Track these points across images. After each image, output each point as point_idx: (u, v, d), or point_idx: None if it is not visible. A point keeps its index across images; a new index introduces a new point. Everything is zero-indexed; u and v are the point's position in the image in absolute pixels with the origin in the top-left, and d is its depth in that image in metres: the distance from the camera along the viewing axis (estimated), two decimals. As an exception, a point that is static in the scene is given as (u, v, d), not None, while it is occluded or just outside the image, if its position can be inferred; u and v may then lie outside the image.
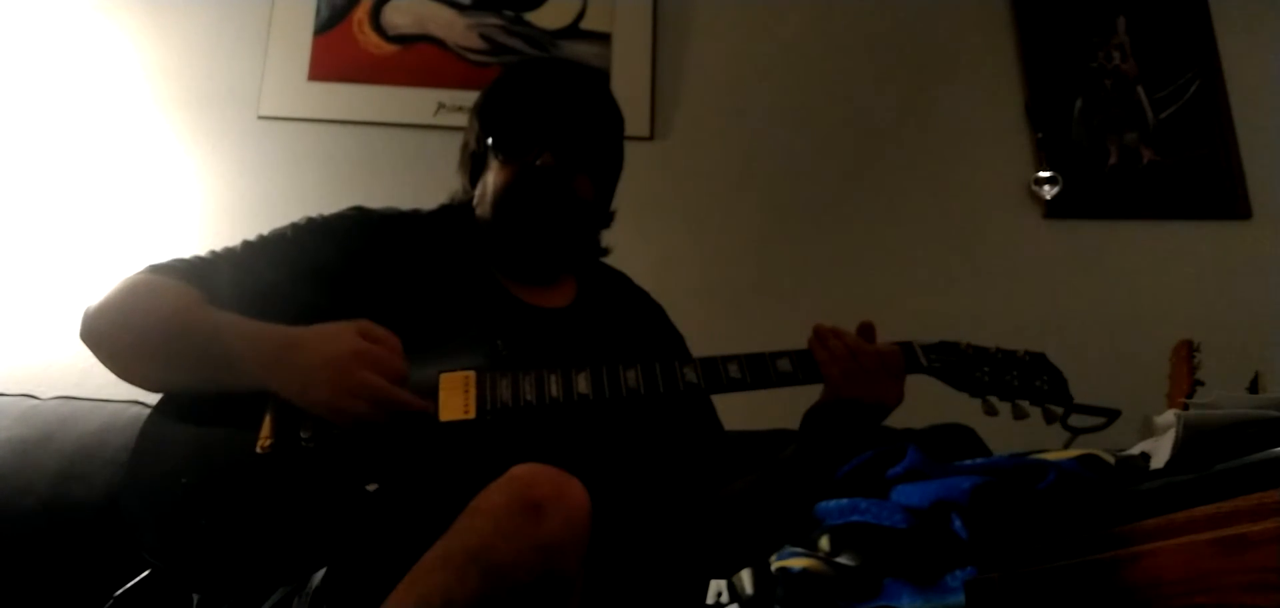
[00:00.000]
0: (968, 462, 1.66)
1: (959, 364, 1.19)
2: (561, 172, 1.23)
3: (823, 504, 1.58)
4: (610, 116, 1.33)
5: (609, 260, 1.42)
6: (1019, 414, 1.18)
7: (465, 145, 1.35)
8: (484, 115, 1.31)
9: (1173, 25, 2.55)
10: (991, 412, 1.18)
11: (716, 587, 1.52)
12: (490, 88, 1.34)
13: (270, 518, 0.98)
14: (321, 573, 0.93)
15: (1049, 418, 1.18)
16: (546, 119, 1.24)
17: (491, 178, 1.26)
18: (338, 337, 1.03)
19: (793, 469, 1.16)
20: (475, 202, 1.30)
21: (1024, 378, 1.19)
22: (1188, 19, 2.56)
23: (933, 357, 1.18)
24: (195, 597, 1.06)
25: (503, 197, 1.24)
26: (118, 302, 1.12)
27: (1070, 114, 2.46)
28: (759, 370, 1.14)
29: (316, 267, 1.19)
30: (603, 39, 2.45)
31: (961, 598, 1.39)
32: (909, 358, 1.18)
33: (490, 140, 1.27)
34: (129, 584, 1.11)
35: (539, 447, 0.93)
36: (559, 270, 1.33)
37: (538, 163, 1.21)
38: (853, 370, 1.11)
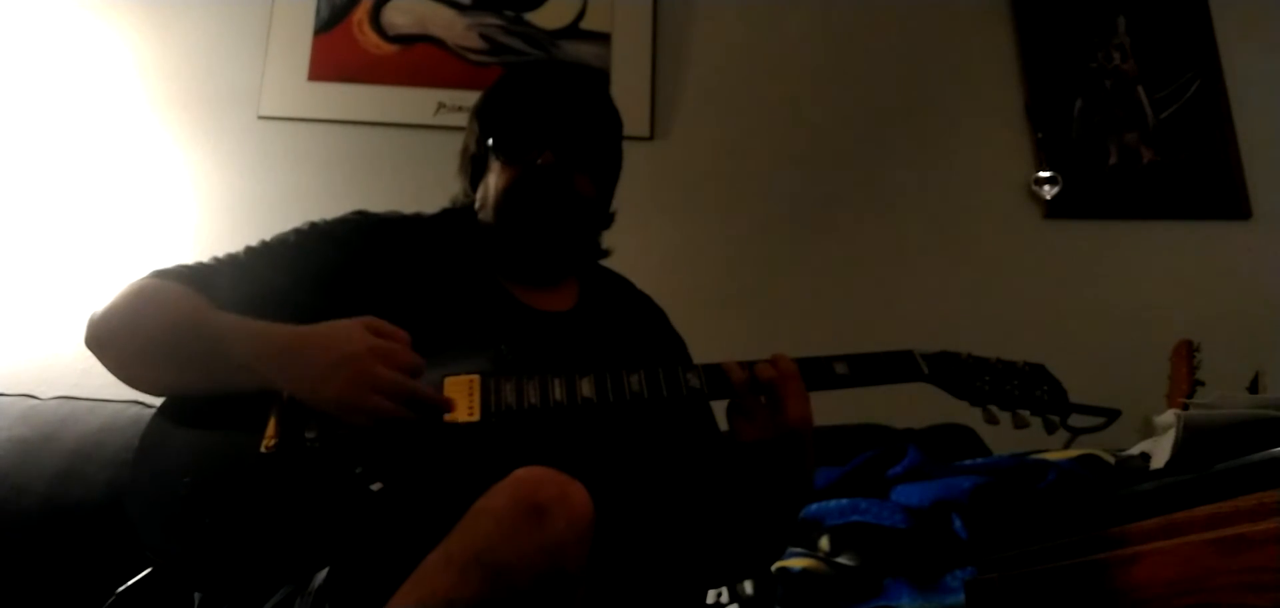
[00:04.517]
0: (968, 462, 1.67)
1: (959, 374, 1.19)
2: (562, 170, 1.23)
3: (823, 504, 1.59)
4: (608, 116, 1.33)
5: (609, 261, 1.42)
6: (1019, 424, 1.18)
7: (465, 149, 1.35)
8: (483, 118, 1.31)
9: (1173, 25, 2.56)
10: (992, 420, 1.18)
11: (716, 588, 1.52)
12: (489, 91, 1.34)
13: (274, 518, 0.98)
14: (324, 573, 0.93)
15: (1049, 428, 1.19)
16: (545, 118, 1.24)
17: (493, 180, 1.26)
18: (349, 334, 1.03)
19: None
20: (477, 205, 1.30)
21: (1024, 387, 1.19)
22: (1188, 19, 2.56)
23: (932, 366, 1.19)
24: (197, 596, 1.06)
25: (505, 197, 1.24)
26: (123, 307, 1.12)
27: (1070, 114, 2.46)
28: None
29: (319, 271, 1.19)
30: (603, 39, 2.45)
31: (961, 598, 1.40)
32: (909, 367, 1.18)
33: (490, 142, 1.27)
34: (130, 582, 1.11)
35: (543, 450, 0.93)
36: (562, 271, 1.33)
37: (538, 162, 1.22)
38: (755, 406, 1.11)
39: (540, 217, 1.24)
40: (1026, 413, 1.18)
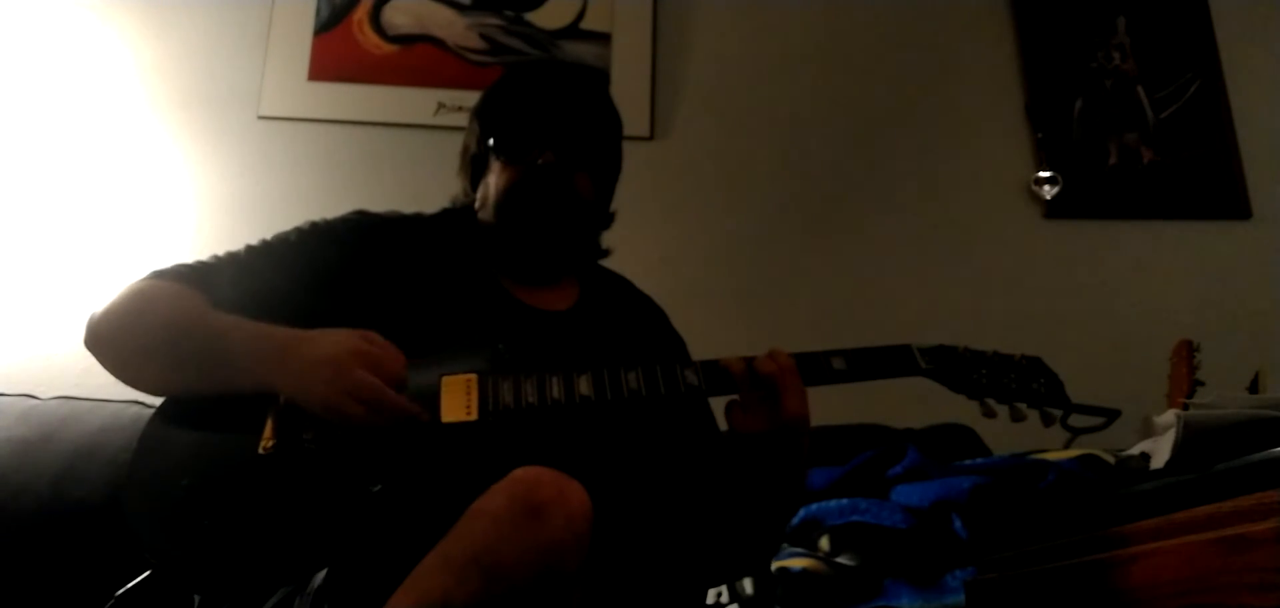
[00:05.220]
0: (968, 462, 1.67)
1: (956, 367, 1.19)
2: (562, 170, 1.23)
3: (823, 504, 1.59)
4: (609, 116, 1.33)
5: (609, 260, 1.42)
6: (1017, 416, 1.18)
7: (465, 148, 1.35)
8: (484, 118, 1.31)
9: (1173, 25, 2.55)
10: (989, 414, 1.18)
11: (716, 588, 1.52)
12: (490, 91, 1.34)
13: (272, 519, 0.98)
14: (323, 574, 0.93)
15: (1047, 420, 1.19)
16: (546, 119, 1.25)
17: (493, 180, 1.26)
18: (337, 339, 1.04)
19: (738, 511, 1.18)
20: (478, 205, 1.30)
21: (1021, 380, 1.19)
22: (1188, 19, 2.56)
23: (930, 360, 1.19)
24: (196, 598, 1.06)
25: (505, 197, 1.24)
26: (122, 307, 1.12)
27: (1070, 114, 2.46)
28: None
29: (319, 270, 1.19)
30: (603, 39, 2.45)
31: (961, 598, 1.40)
32: (907, 361, 1.18)
33: (491, 142, 1.27)
34: (130, 585, 1.11)
35: (540, 449, 0.93)
36: (561, 271, 1.33)
37: (539, 162, 1.22)
38: (754, 401, 1.11)
39: (540, 216, 1.24)
40: (1023, 406, 1.18)
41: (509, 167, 1.24)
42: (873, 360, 1.17)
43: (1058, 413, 1.18)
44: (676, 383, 1.11)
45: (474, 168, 1.32)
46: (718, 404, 1.31)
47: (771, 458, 1.12)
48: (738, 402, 1.13)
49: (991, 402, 1.18)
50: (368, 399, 0.99)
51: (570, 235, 1.30)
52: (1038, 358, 1.23)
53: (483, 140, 1.29)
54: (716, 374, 1.12)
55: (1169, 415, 1.17)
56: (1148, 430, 1.31)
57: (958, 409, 1.21)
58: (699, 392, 1.12)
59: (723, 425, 1.26)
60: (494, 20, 2.46)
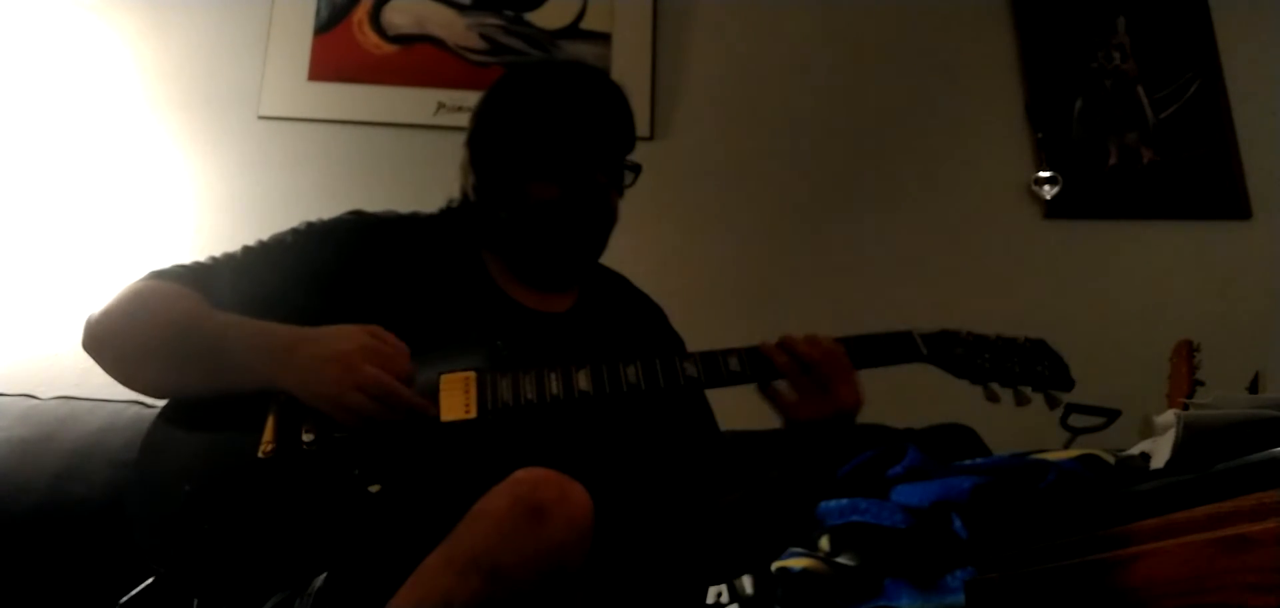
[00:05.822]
0: (968, 462, 1.67)
1: (959, 353, 1.19)
2: (609, 189, 1.24)
3: (823, 504, 1.59)
4: (634, 130, 1.33)
5: (610, 261, 1.41)
6: (1021, 400, 1.17)
7: (482, 144, 1.29)
8: (524, 123, 1.25)
9: (1173, 25, 2.55)
10: (993, 398, 1.17)
11: (717, 588, 1.52)
12: (523, 92, 1.30)
13: (272, 523, 0.98)
14: (323, 577, 0.93)
15: (1052, 403, 1.18)
16: (601, 139, 1.25)
17: (535, 189, 1.23)
18: (345, 334, 1.04)
19: (778, 489, 1.19)
20: (503, 208, 1.27)
21: (1025, 364, 1.19)
22: (1188, 19, 2.56)
23: (932, 345, 1.18)
24: (196, 602, 1.06)
25: (552, 211, 1.23)
26: (120, 308, 1.12)
27: (1070, 114, 2.46)
28: (758, 364, 1.14)
29: (315, 271, 1.19)
30: (603, 39, 2.45)
31: (961, 598, 1.40)
32: (909, 347, 1.18)
33: (539, 152, 1.23)
34: (133, 592, 1.10)
35: (540, 446, 0.94)
36: (576, 280, 1.34)
37: (595, 182, 1.22)
38: (806, 386, 1.11)
39: (587, 234, 1.26)
40: (1028, 390, 1.18)
41: (555, 182, 1.23)
42: (874, 348, 1.17)
43: (1063, 396, 1.17)
44: (676, 376, 1.11)
45: (494, 168, 1.28)
46: (715, 398, 1.31)
47: (826, 446, 1.12)
48: (782, 389, 1.12)
49: (995, 386, 1.17)
50: (378, 395, 0.99)
51: (602, 250, 1.30)
52: (1041, 340, 1.23)
53: (520, 145, 1.25)
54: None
55: (1169, 415, 1.17)
56: (1148, 430, 1.31)
57: (959, 409, 1.21)
58: (697, 383, 1.12)
59: (720, 420, 1.26)
60: (494, 20, 2.46)
